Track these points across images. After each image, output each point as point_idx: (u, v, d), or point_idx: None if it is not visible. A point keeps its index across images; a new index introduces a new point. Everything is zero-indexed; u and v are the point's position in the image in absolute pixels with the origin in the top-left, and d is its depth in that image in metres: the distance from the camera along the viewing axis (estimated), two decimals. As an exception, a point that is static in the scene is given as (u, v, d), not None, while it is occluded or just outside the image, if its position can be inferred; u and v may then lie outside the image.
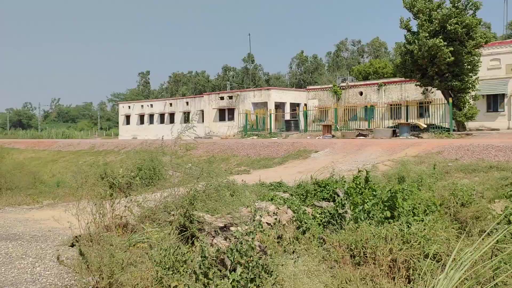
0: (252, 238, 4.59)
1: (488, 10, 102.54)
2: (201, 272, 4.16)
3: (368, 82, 43.46)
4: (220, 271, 4.27)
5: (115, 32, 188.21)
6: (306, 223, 6.34)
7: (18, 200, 10.98)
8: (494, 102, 32.97)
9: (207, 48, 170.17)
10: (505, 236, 5.37)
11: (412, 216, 6.18)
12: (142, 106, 58.97)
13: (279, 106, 43.59)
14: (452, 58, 24.98)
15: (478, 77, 27.18)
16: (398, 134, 27.78)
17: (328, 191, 8.33)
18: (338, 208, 6.60)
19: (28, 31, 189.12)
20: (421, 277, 4.57)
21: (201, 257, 4.30)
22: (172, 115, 54.37)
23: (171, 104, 55.06)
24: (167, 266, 4.18)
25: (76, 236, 5.63)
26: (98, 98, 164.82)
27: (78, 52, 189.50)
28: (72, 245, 5.87)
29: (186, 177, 6.25)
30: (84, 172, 6.80)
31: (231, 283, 4.06)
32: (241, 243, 4.44)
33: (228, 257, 4.42)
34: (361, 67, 65.37)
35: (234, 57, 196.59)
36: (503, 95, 32.38)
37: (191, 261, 4.35)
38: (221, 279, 4.11)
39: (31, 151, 38.04)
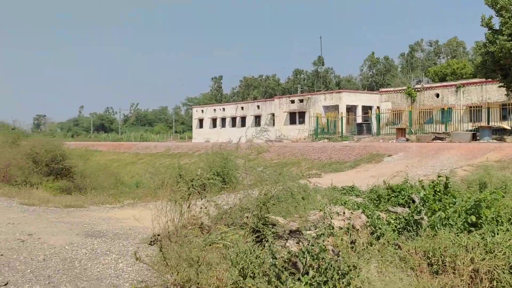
0: (323, 240, 4.56)
1: None
2: (274, 275, 4.19)
3: (445, 83, 41.62)
4: (294, 274, 4.28)
5: (189, 40, 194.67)
6: (380, 228, 6.18)
7: (101, 200, 11.73)
8: None
9: (278, 52, 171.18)
10: None
11: (496, 225, 5.84)
12: (214, 110, 60.42)
13: (351, 109, 42.86)
14: (539, 57, 23.32)
15: None
16: (478, 138, 26.32)
17: (403, 197, 8.09)
18: (414, 214, 6.37)
19: (110, 40, 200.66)
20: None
21: (272, 258, 4.34)
22: (243, 119, 55.21)
23: (242, 108, 55.96)
24: (245, 267, 4.26)
25: (155, 235, 5.89)
26: (173, 103, 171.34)
27: (155, 59, 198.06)
28: (151, 243, 6.15)
29: (260, 180, 6.34)
30: (161, 174, 7.12)
31: (304, 285, 4.06)
32: (313, 245, 4.42)
33: (300, 260, 4.42)
34: (437, 68, 62.64)
35: (304, 60, 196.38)
36: None
37: (263, 263, 4.40)
38: (293, 282, 4.11)
39: (112, 153, 40.28)
